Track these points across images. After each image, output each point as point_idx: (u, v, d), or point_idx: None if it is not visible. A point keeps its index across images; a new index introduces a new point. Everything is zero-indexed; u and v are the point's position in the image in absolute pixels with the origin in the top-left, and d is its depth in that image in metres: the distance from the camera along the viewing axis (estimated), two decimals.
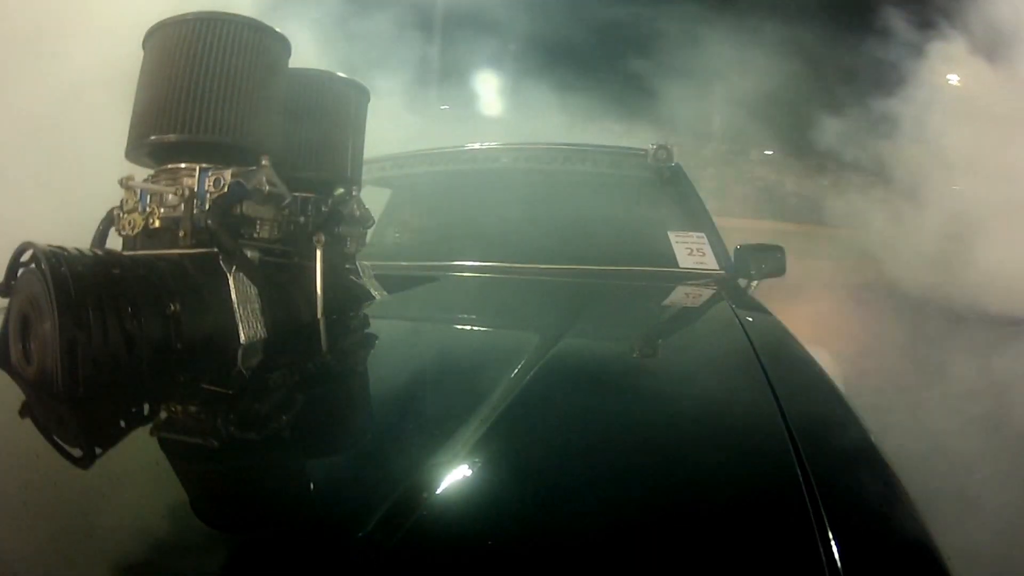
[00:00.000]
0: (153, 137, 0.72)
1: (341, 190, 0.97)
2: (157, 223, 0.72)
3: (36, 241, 0.61)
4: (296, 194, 0.86)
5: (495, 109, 5.42)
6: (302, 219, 0.90)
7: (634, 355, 0.81)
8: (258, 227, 0.77)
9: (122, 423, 0.55)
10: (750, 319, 1.01)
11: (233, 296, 0.72)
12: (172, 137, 0.72)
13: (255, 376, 0.68)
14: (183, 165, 0.74)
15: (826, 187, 5.86)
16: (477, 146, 2.08)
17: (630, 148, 1.90)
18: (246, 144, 0.75)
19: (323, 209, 0.95)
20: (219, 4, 0.75)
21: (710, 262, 1.54)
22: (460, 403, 0.55)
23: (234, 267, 0.73)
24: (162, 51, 0.73)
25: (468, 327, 0.98)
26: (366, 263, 1.03)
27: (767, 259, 1.68)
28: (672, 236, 1.59)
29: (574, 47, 5.76)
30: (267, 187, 0.76)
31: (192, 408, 0.59)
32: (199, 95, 0.71)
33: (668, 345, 0.87)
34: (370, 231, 1.06)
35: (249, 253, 0.75)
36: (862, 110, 5.14)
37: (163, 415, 0.58)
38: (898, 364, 3.06)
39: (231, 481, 0.45)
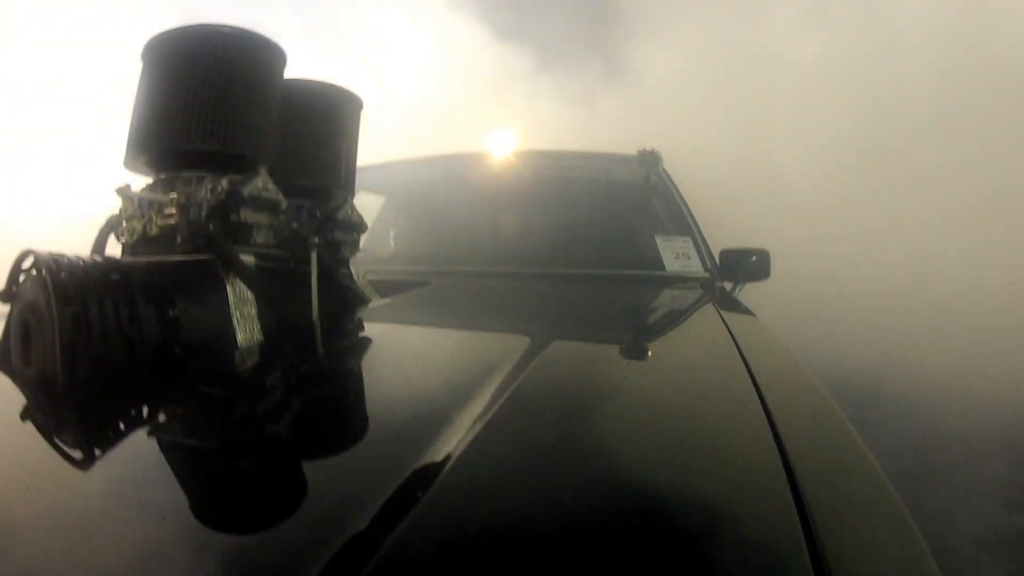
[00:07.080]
0: (152, 147, 0.73)
1: (335, 197, 0.99)
2: (155, 230, 0.74)
3: (36, 248, 0.62)
4: (291, 201, 0.88)
5: None
6: (297, 225, 0.91)
7: (621, 358, 0.82)
8: (254, 233, 0.79)
9: (121, 427, 0.55)
10: (735, 322, 1.03)
11: (230, 301, 0.73)
12: (170, 147, 0.73)
13: (252, 379, 0.69)
14: (181, 174, 0.75)
15: None
16: (466, 153, 2.10)
17: (618, 154, 1.92)
18: (243, 153, 0.76)
19: (318, 215, 0.96)
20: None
21: (696, 266, 1.57)
22: (449, 407, 0.55)
23: (231, 272, 0.74)
24: (161, 63, 0.74)
25: (458, 331, 0.99)
26: (360, 268, 1.05)
27: (752, 263, 1.71)
28: (659, 240, 1.61)
29: None
30: (263, 194, 0.77)
31: (190, 411, 0.59)
32: (197, 106, 0.72)
33: (655, 348, 0.88)
34: (364, 237, 1.07)
35: (245, 259, 0.76)
36: None
37: (162, 419, 0.58)
38: None
39: (228, 483, 0.45)
